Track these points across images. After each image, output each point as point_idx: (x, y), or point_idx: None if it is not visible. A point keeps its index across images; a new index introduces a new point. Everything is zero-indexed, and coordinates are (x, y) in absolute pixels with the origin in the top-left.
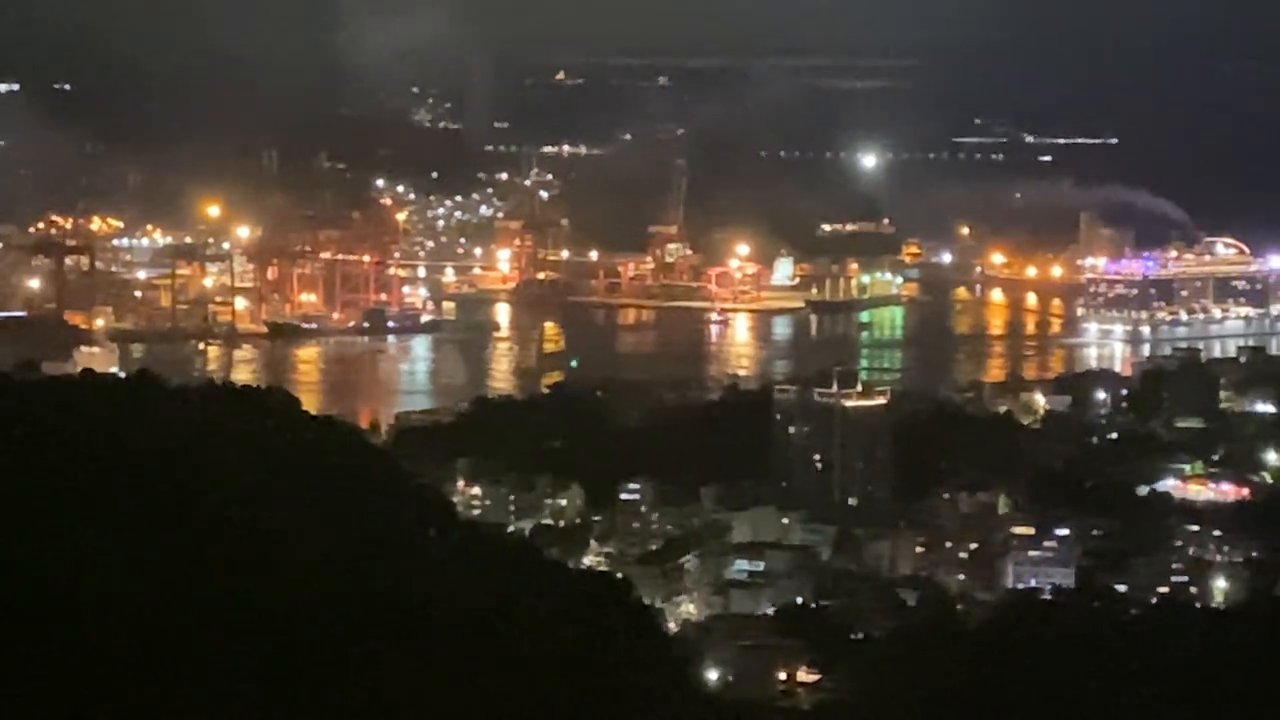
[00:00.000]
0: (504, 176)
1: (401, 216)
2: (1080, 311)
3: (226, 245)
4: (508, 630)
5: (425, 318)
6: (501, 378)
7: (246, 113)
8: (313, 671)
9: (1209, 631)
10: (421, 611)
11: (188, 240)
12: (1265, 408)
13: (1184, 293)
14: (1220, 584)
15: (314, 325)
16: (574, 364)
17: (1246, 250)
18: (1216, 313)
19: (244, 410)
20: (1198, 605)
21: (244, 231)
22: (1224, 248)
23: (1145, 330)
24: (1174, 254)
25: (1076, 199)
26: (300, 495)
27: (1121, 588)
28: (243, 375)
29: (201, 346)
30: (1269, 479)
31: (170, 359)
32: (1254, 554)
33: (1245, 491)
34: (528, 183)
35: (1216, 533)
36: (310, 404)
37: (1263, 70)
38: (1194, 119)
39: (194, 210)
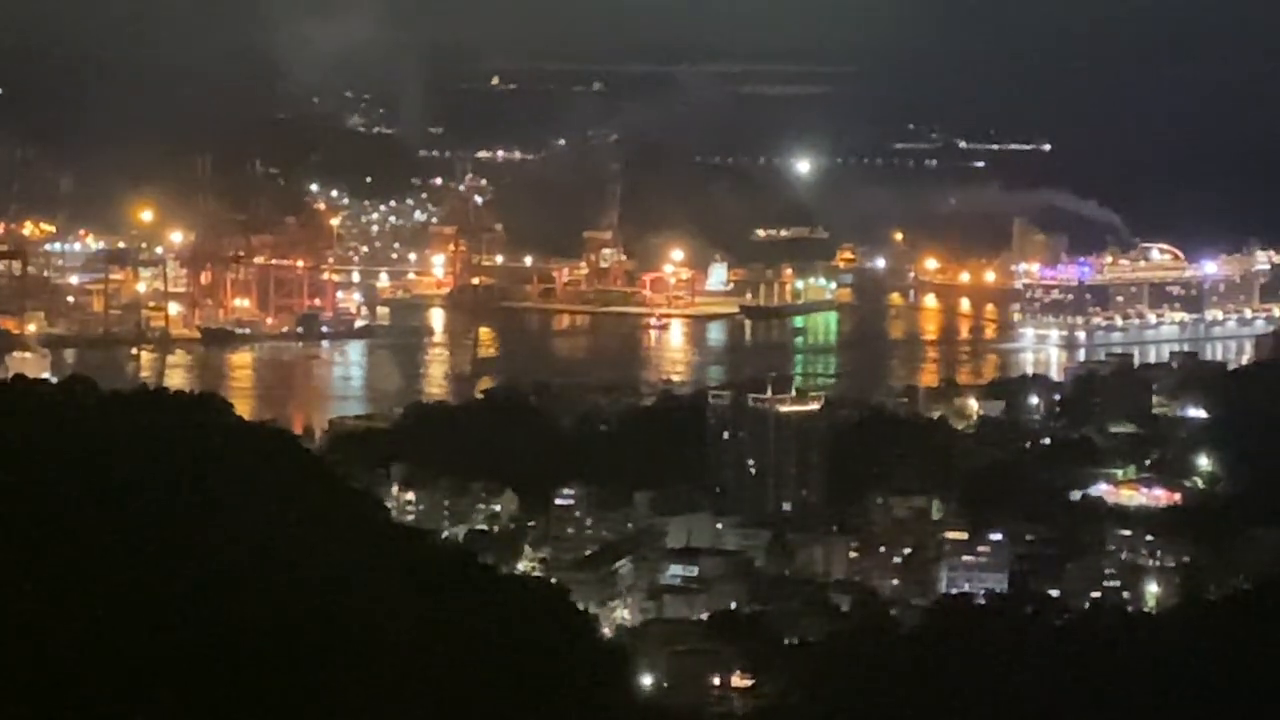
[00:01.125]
0: (438, 181)
1: (335, 221)
2: (1016, 316)
3: (159, 250)
4: (441, 637)
5: (359, 323)
6: (436, 383)
7: (180, 117)
8: (245, 677)
9: (1141, 636)
10: (355, 618)
11: (121, 245)
12: (1197, 413)
13: (1119, 298)
14: (1152, 588)
15: (247, 330)
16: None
17: (1181, 256)
18: (1151, 318)
19: (177, 416)
20: (1130, 610)
21: (177, 236)
22: (1159, 253)
23: (1081, 335)
24: (1109, 259)
25: (1010, 205)
26: (233, 501)
27: (1054, 592)
28: (176, 381)
29: (134, 352)
30: (1200, 484)
31: (103, 364)
32: (1186, 559)
33: (1177, 496)
34: (462, 188)
35: (1149, 537)
36: (244, 410)
37: (1197, 76)
38: (1128, 125)
39: (127, 215)
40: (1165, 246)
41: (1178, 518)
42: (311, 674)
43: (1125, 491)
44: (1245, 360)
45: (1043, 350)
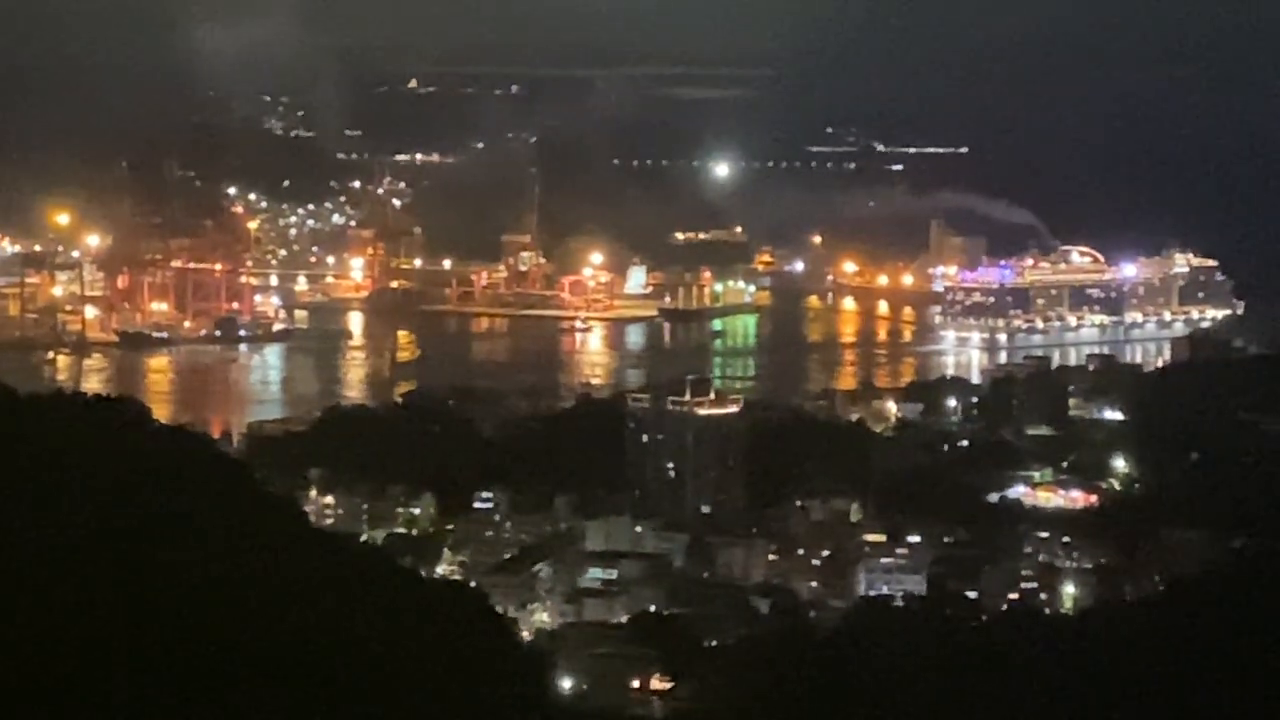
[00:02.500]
0: (356, 185)
1: (253, 225)
2: (938, 319)
3: (76, 254)
4: (360, 640)
5: (277, 326)
6: (354, 386)
7: (96, 120)
8: (160, 679)
9: (1058, 637)
10: (273, 622)
11: (37, 248)
12: (1113, 415)
13: (1040, 301)
14: (1069, 590)
15: (165, 334)
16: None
17: (1101, 259)
18: (1072, 321)
19: (94, 420)
20: (1047, 611)
21: (94, 240)
22: (1079, 256)
23: (1002, 338)
24: (1030, 262)
25: (927, 208)
26: (151, 506)
27: (972, 594)
28: (93, 385)
29: (51, 356)
30: (1117, 486)
31: (19, 368)
32: (1102, 560)
33: (1093, 498)
34: (380, 191)
35: (1065, 539)
36: (161, 413)
37: (1115, 81)
38: (1047, 129)
39: (43, 218)
40: (1085, 250)
41: (1094, 519)
42: (228, 678)
43: (1042, 493)
44: (1162, 363)
45: (964, 353)
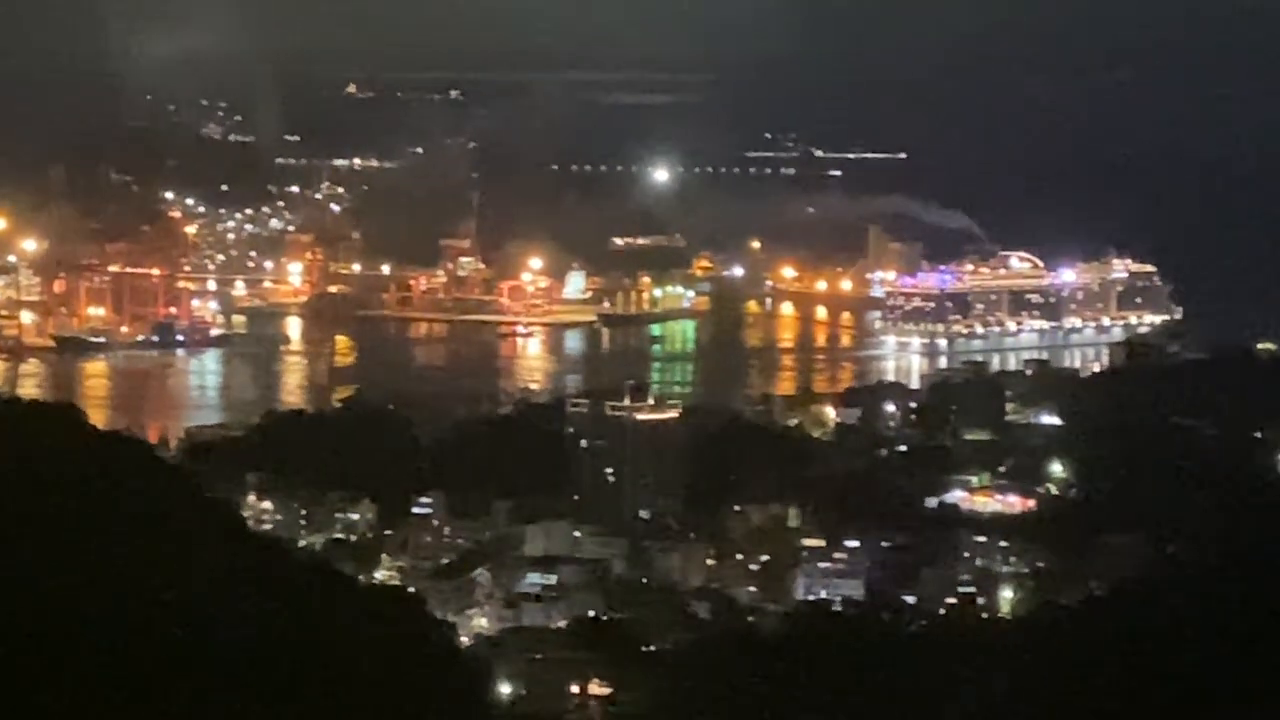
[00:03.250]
0: (295, 189)
1: (191, 229)
2: (878, 324)
3: (12, 258)
4: (298, 646)
5: (215, 331)
6: (293, 391)
7: (32, 124)
8: (99, 688)
9: (996, 642)
10: (211, 628)
11: None
12: (1050, 420)
13: (979, 306)
14: (1007, 594)
15: (102, 339)
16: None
17: (1040, 264)
18: (1011, 326)
19: (30, 425)
20: (985, 616)
21: (30, 244)
22: (1018, 262)
23: (942, 343)
24: (970, 268)
25: (865, 213)
26: (88, 512)
27: (910, 599)
28: (29, 390)
29: None
30: (1054, 490)
31: None
32: (1040, 564)
33: (1031, 503)
34: (319, 196)
35: (1003, 544)
36: (99, 419)
37: (1053, 85)
38: (986, 134)
39: None
40: (1025, 255)
41: (1032, 524)
42: (168, 685)
43: (980, 498)
44: (1099, 367)
45: (904, 358)
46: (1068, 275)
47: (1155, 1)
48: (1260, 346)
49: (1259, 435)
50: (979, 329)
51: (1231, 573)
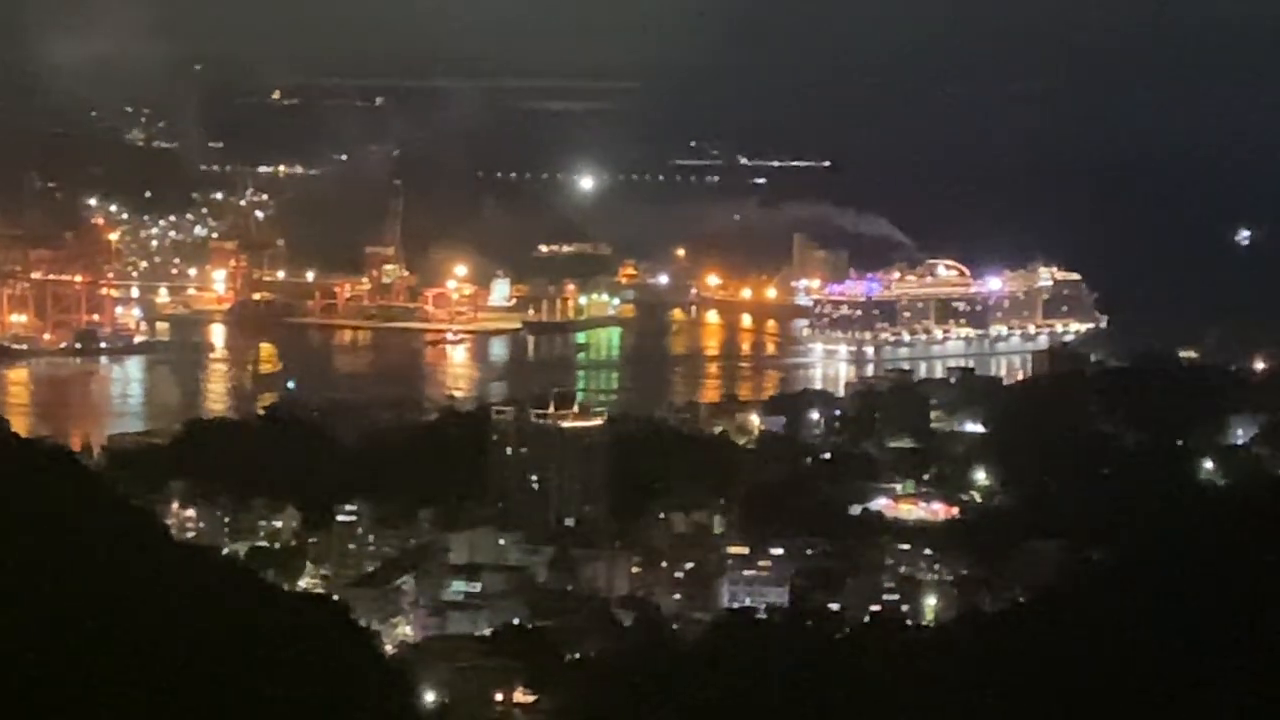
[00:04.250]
0: (219, 196)
1: (114, 236)
2: (805, 332)
3: None
4: (221, 655)
5: (138, 338)
6: (217, 399)
7: None
8: (21, 695)
9: (919, 648)
10: (133, 637)
11: None
12: (974, 428)
13: (907, 314)
14: (930, 601)
15: (24, 346)
16: (290, 385)
17: (967, 272)
18: (938, 333)
19: None
20: (908, 623)
21: None
22: (945, 270)
23: (869, 351)
24: (897, 275)
25: (790, 221)
26: (8, 519)
27: (834, 606)
28: None
29: None
30: (977, 498)
31: None
32: (963, 571)
33: (955, 510)
34: (243, 203)
35: (927, 551)
36: (20, 426)
37: (978, 94)
38: (912, 143)
39: None
40: (951, 263)
41: (955, 531)
42: (89, 692)
43: (904, 506)
44: (1023, 375)
45: (831, 365)
46: (994, 283)
47: (1080, 12)
48: (1182, 354)
49: (1181, 442)
50: (906, 337)
51: (1153, 578)
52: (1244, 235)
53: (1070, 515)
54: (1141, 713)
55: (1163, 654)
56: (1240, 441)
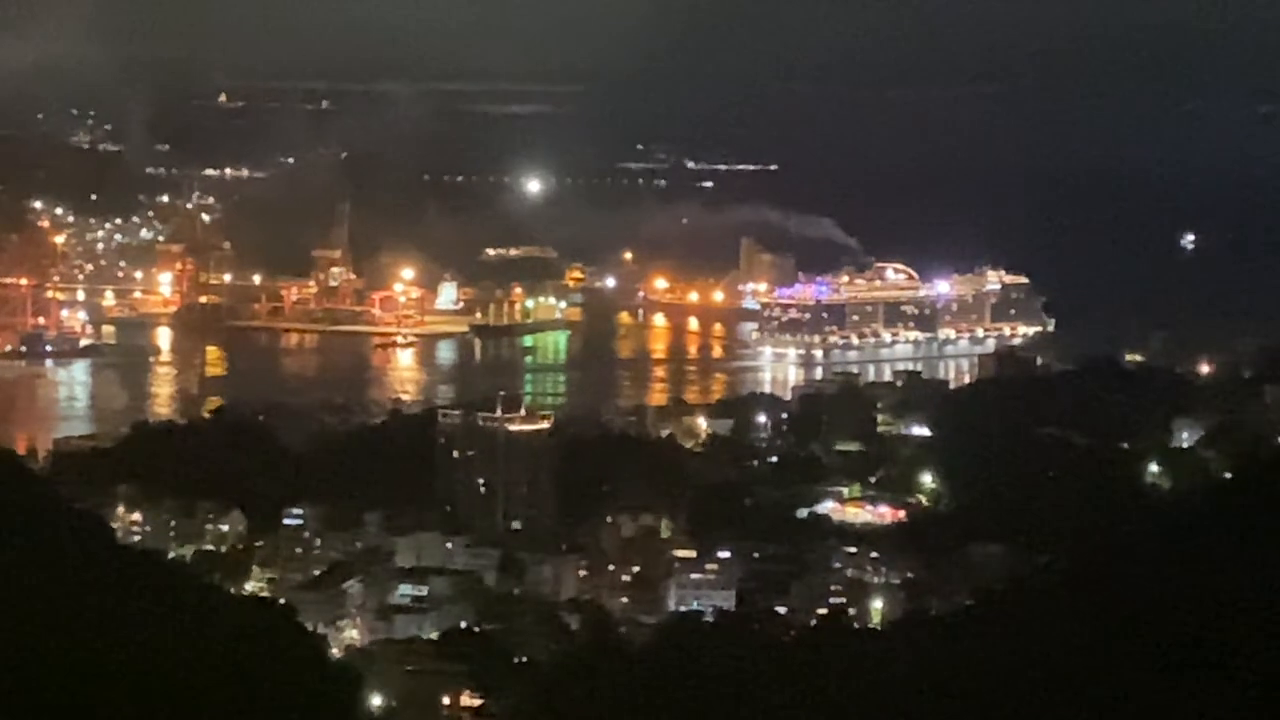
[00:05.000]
0: (165, 199)
1: (60, 239)
2: (755, 335)
3: None
4: (167, 659)
5: (84, 342)
6: (163, 402)
7: None
8: None
9: (866, 651)
10: (78, 640)
11: None
12: (920, 431)
13: (855, 317)
14: (877, 604)
15: None
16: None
17: (915, 276)
18: (887, 337)
19: None
20: (855, 626)
21: None
22: (894, 273)
23: (818, 354)
24: (845, 279)
25: (738, 224)
26: None
27: (781, 609)
28: None
29: None
30: (923, 500)
31: None
32: (909, 575)
33: (901, 513)
34: (189, 205)
35: (873, 554)
36: None
37: (926, 98)
38: (860, 146)
39: None
40: (900, 266)
41: (901, 534)
42: (32, 696)
43: (851, 509)
44: (969, 379)
45: (780, 368)
46: (942, 287)
47: (1028, 16)
48: (1128, 357)
49: (1126, 445)
50: (855, 340)
51: (1098, 581)
52: (1188, 239)
53: (1016, 518)
54: (1087, 715)
55: (1108, 657)
56: (1185, 444)
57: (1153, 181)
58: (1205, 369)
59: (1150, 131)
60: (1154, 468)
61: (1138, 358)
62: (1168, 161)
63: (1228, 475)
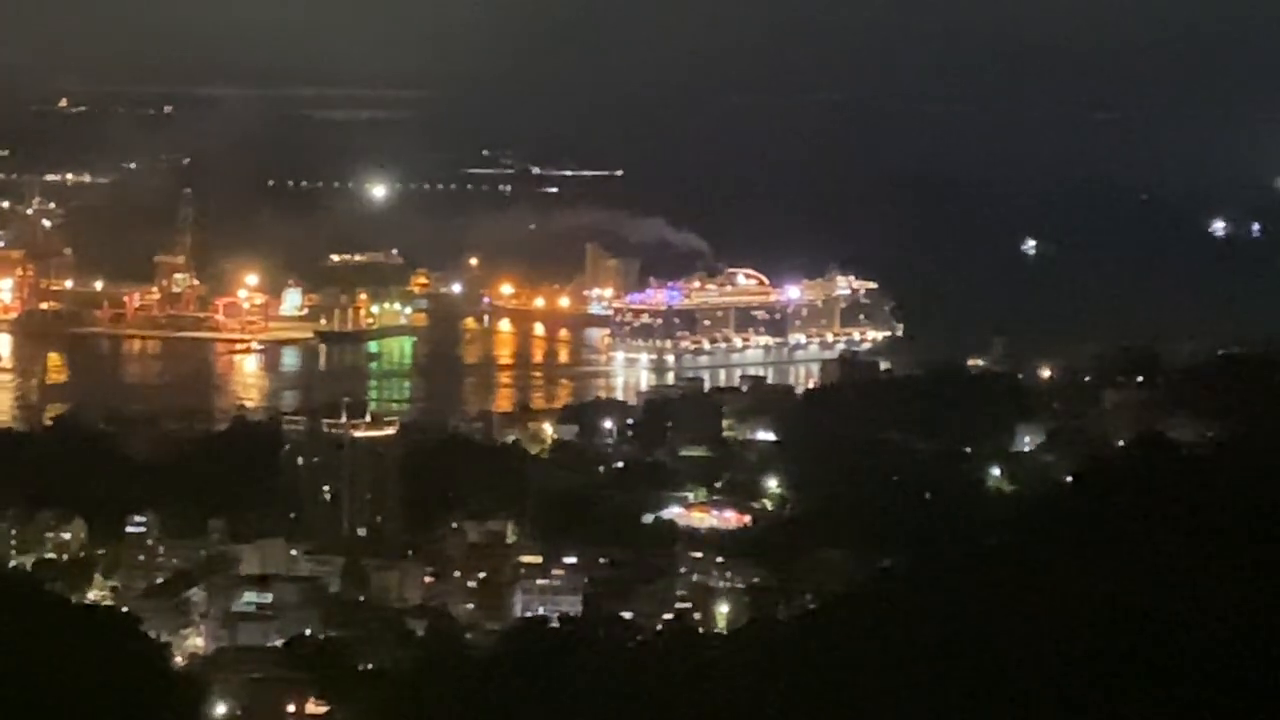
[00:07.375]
0: (4, 205)
1: None
2: (607, 340)
3: None
4: (7, 669)
5: None
6: (3, 410)
7: None
8: None
9: (711, 656)
10: None
11: None
12: (766, 435)
13: (706, 322)
14: (723, 609)
15: None
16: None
17: (766, 281)
18: (738, 342)
19: None
20: (701, 630)
21: None
22: (745, 279)
23: (670, 359)
24: (697, 284)
25: (584, 230)
26: None
27: (627, 615)
28: None
29: None
30: (769, 505)
31: None
32: (755, 579)
33: (747, 518)
34: (30, 211)
35: (719, 559)
36: None
37: (773, 104)
38: (708, 152)
39: None
40: (751, 272)
41: (747, 539)
42: None
43: (696, 514)
44: (813, 384)
45: (632, 374)
46: (793, 292)
47: (878, 22)
48: (971, 362)
49: (968, 449)
50: (706, 345)
51: (942, 584)
52: (1029, 245)
53: (860, 522)
54: (928, 716)
55: (953, 658)
56: (1026, 448)
57: (995, 188)
58: (1046, 374)
59: (993, 140)
60: (995, 471)
61: (981, 362)
62: (1010, 169)
63: (1067, 478)
